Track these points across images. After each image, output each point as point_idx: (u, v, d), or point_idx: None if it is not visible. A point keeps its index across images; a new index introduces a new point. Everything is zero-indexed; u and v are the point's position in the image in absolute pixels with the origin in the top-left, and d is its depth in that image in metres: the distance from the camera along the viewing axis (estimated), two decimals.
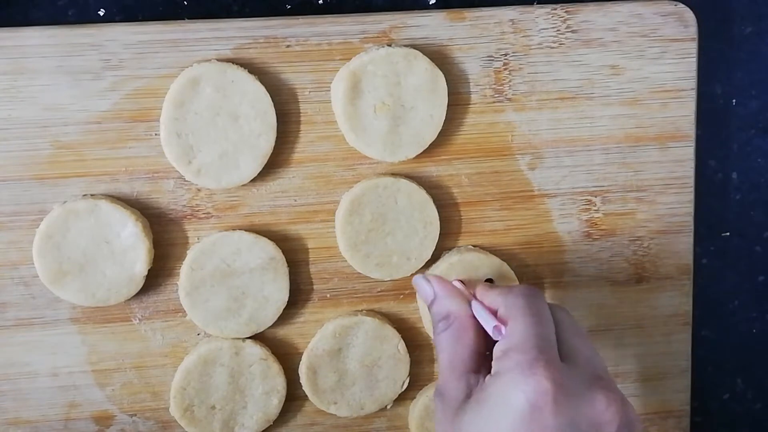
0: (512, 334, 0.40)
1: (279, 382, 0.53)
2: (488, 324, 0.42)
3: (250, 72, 0.49)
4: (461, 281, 0.48)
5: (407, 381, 0.54)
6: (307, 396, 0.54)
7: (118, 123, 0.50)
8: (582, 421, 0.37)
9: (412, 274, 0.53)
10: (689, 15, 0.52)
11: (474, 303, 0.45)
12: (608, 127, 0.53)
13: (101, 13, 0.52)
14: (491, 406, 0.38)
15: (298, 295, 0.53)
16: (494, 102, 0.52)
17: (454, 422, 0.40)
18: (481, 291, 0.46)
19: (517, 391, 0.37)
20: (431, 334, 0.54)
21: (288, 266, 0.52)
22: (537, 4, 0.52)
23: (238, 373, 0.52)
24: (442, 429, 0.41)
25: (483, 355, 0.43)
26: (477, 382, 0.41)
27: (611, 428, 0.38)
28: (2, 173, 0.49)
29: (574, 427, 0.37)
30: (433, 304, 0.46)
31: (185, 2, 0.52)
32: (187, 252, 0.51)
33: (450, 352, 0.43)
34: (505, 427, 0.37)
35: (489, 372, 0.40)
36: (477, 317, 0.44)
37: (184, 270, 0.51)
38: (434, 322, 0.45)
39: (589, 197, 0.54)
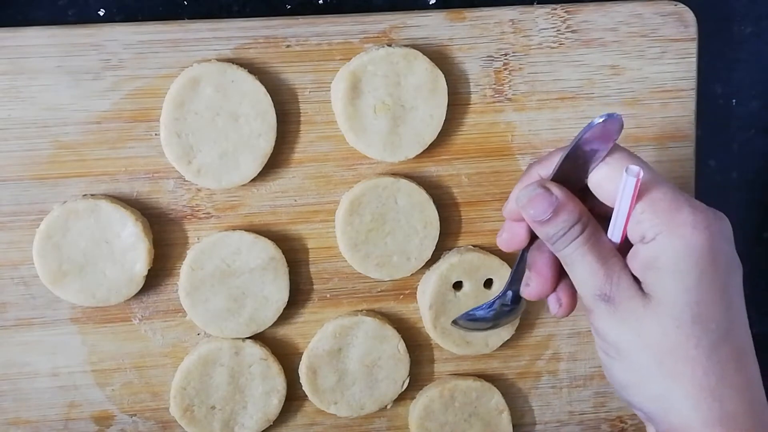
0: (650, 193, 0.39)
1: (279, 382, 0.53)
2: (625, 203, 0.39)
3: (250, 72, 0.49)
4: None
5: (407, 381, 0.54)
6: (307, 396, 0.54)
7: (118, 123, 0.50)
8: (731, 240, 0.40)
9: (413, 274, 0.53)
10: (689, 15, 0.52)
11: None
12: None
13: (101, 13, 0.52)
14: (675, 263, 0.37)
15: (298, 295, 0.53)
16: (494, 102, 0.52)
17: (639, 313, 0.38)
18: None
19: (695, 231, 0.37)
20: (432, 333, 0.54)
21: (288, 266, 0.52)
22: (537, 4, 0.52)
23: (238, 373, 0.52)
24: (622, 332, 0.39)
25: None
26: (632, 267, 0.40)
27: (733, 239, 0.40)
28: (2, 173, 0.49)
29: (731, 249, 0.39)
30: (560, 212, 0.40)
31: (185, 2, 0.52)
32: (187, 252, 0.51)
33: (599, 251, 0.40)
34: (698, 270, 0.37)
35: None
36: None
37: (184, 270, 0.51)
38: (564, 230, 0.40)
39: None
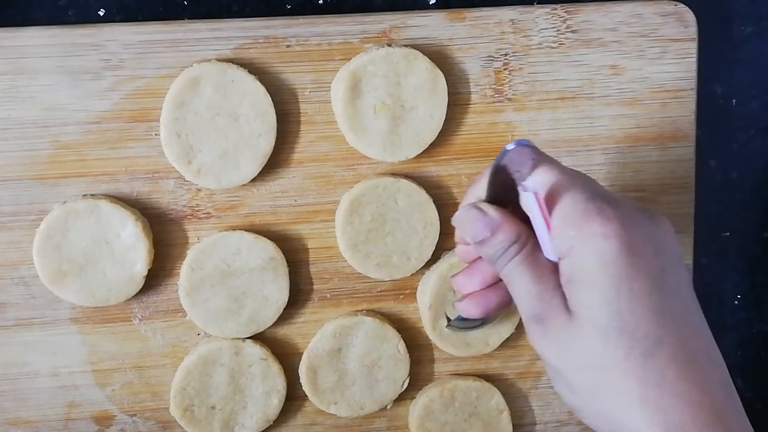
0: (561, 207, 0.38)
1: (279, 382, 0.53)
2: (540, 221, 0.38)
3: (250, 72, 0.49)
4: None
5: (407, 381, 0.54)
6: (307, 396, 0.54)
7: (118, 123, 0.50)
8: (658, 241, 0.37)
9: (413, 275, 0.53)
10: (689, 15, 0.52)
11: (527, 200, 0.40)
12: (608, 127, 0.53)
13: (101, 13, 0.52)
14: (588, 275, 0.36)
15: (298, 295, 0.53)
16: (494, 102, 0.52)
17: (567, 331, 0.37)
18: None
19: (605, 239, 0.35)
20: (431, 334, 0.54)
21: (288, 266, 0.52)
22: (537, 4, 0.52)
23: (238, 373, 0.52)
24: (555, 352, 0.38)
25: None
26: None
27: (674, 239, 0.38)
28: (2, 173, 0.49)
29: (659, 250, 0.37)
30: (498, 232, 0.40)
31: (185, 2, 0.52)
32: (187, 252, 0.51)
33: (534, 270, 0.39)
34: (616, 280, 0.35)
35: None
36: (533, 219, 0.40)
37: (184, 270, 0.51)
38: (502, 250, 0.40)
39: None
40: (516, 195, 0.40)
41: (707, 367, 0.36)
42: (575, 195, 0.37)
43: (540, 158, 0.39)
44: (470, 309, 0.44)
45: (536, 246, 0.39)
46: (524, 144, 0.37)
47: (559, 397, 0.40)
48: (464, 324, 0.49)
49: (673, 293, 0.37)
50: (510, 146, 0.37)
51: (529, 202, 0.38)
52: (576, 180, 0.38)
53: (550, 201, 0.38)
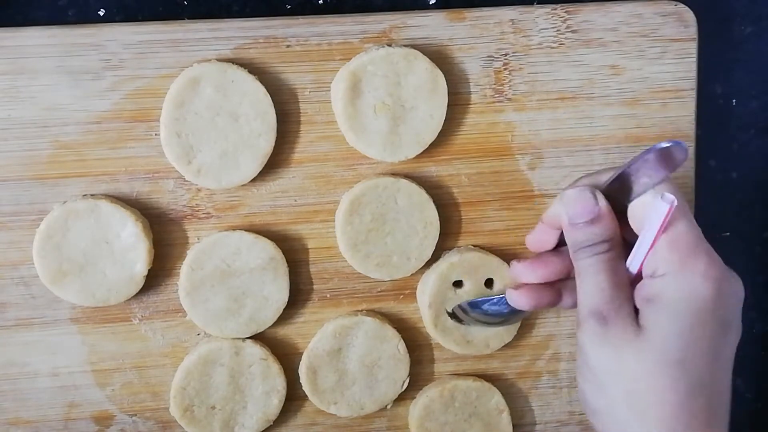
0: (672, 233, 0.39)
1: (279, 382, 0.53)
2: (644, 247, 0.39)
3: (250, 72, 0.49)
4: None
5: (407, 381, 0.54)
6: (307, 396, 0.54)
7: (118, 123, 0.50)
8: (735, 299, 0.39)
9: (413, 274, 0.53)
10: (689, 15, 0.52)
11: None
12: (608, 127, 0.53)
13: (101, 13, 0.52)
14: (675, 303, 0.37)
15: (298, 295, 0.53)
16: (494, 102, 0.52)
17: (627, 341, 0.38)
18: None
19: (704, 281, 0.37)
20: (432, 332, 0.54)
21: (288, 266, 0.52)
22: (537, 4, 0.52)
23: (238, 373, 0.52)
24: (604, 354, 0.39)
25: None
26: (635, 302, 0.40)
27: (742, 300, 0.40)
28: (2, 173, 0.49)
29: (733, 308, 0.39)
30: (597, 222, 0.41)
31: (185, 2, 0.52)
32: (187, 252, 0.51)
33: (613, 274, 0.40)
34: (696, 318, 0.37)
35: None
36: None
37: (184, 270, 0.51)
38: (592, 241, 0.41)
39: None
40: (622, 203, 0.41)
41: (724, 423, 0.39)
42: (691, 226, 0.39)
43: (669, 176, 0.40)
44: (521, 300, 0.45)
45: (622, 254, 0.40)
46: (680, 146, 0.38)
47: (580, 394, 0.41)
48: (479, 316, 0.49)
49: (727, 352, 0.39)
50: (665, 144, 0.38)
51: (657, 209, 0.38)
52: (689, 214, 0.40)
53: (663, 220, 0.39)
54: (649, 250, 0.39)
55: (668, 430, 0.37)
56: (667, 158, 0.38)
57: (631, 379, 0.38)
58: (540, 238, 0.46)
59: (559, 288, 0.45)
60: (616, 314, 0.39)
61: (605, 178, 0.42)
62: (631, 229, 0.41)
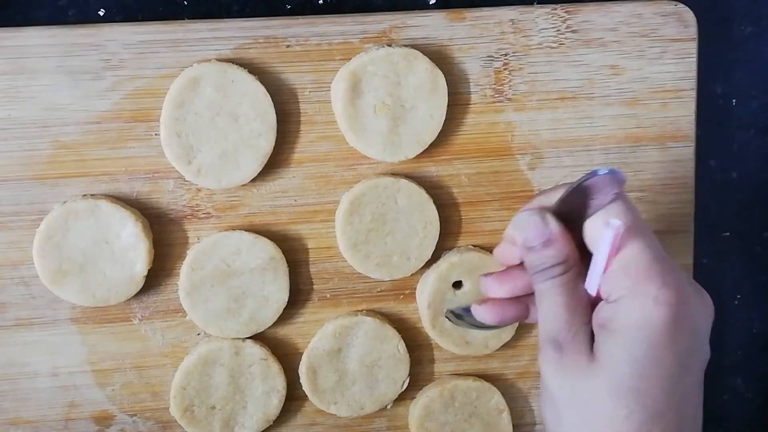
0: (624, 258, 0.38)
1: (279, 382, 0.53)
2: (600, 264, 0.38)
3: (250, 72, 0.49)
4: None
5: (407, 381, 0.54)
6: (307, 396, 0.54)
7: (118, 123, 0.50)
8: (696, 319, 0.38)
9: (413, 274, 0.53)
10: (689, 15, 0.52)
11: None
12: (608, 127, 0.53)
13: (101, 13, 0.52)
14: (627, 329, 0.36)
15: (298, 295, 0.53)
16: (494, 102, 0.52)
17: (581, 370, 0.37)
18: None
19: (657, 306, 0.36)
20: (431, 333, 0.54)
21: (288, 266, 0.52)
22: (537, 4, 0.53)
23: (238, 373, 0.52)
24: (560, 382, 0.38)
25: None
26: (591, 327, 0.39)
27: (710, 317, 0.40)
28: (2, 173, 0.49)
29: (695, 330, 0.38)
30: (549, 246, 0.40)
31: (185, 2, 0.52)
32: (187, 252, 0.51)
33: (570, 298, 0.39)
34: (649, 345, 0.36)
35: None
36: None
37: (184, 270, 0.51)
38: (547, 264, 0.40)
39: None
40: (579, 219, 0.40)
41: None
42: (643, 249, 0.37)
43: (621, 193, 0.39)
44: (486, 315, 0.44)
45: (580, 275, 0.40)
46: (617, 174, 0.37)
47: (542, 414, 0.40)
48: (463, 321, 0.49)
49: (688, 373, 0.38)
50: (603, 171, 0.37)
51: (603, 235, 0.37)
52: (645, 232, 0.38)
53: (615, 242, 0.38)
54: (603, 272, 0.38)
55: None
56: (611, 181, 0.38)
57: (585, 409, 0.37)
58: (506, 251, 0.45)
59: (526, 302, 0.44)
60: (572, 341, 0.38)
61: (557, 195, 0.41)
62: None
